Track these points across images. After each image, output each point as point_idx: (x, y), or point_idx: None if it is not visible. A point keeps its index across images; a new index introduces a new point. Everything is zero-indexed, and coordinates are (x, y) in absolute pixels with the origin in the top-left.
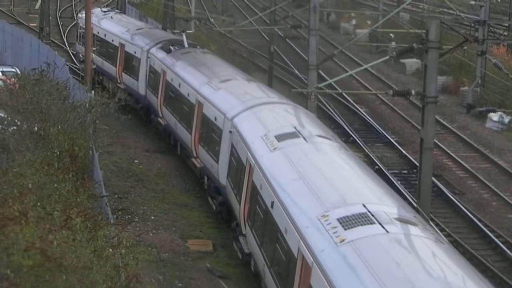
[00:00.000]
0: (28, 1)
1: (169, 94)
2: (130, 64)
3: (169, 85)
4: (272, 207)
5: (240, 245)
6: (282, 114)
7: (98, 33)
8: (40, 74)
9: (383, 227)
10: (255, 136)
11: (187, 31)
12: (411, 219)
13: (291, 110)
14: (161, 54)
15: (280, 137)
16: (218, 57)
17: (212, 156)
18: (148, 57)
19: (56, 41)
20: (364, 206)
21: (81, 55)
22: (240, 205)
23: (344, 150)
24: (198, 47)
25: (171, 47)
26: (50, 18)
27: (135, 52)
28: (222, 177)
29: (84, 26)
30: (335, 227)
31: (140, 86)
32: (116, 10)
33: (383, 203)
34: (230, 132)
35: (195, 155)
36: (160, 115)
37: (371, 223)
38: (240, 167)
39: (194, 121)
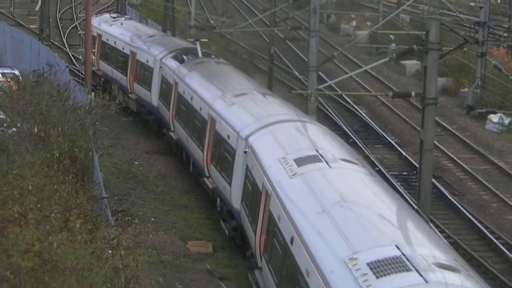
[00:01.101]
0: (28, 3)
1: (181, 107)
2: (142, 73)
3: (181, 97)
4: (291, 243)
5: (255, 278)
6: (301, 133)
7: (107, 40)
8: (40, 75)
9: (420, 275)
10: (272, 159)
11: (202, 40)
12: (453, 264)
13: (311, 129)
14: (173, 64)
15: (300, 161)
16: (233, 67)
17: (225, 177)
18: (161, 67)
19: (56, 43)
20: (398, 248)
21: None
22: (255, 235)
23: (371, 177)
24: (213, 56)
25: (184, 57)
26: (50, 20)
27: (147, 61)
28: (236, 201)
29: (92, 33)
30: (365, 274)
31: (153, 97)
32: (126, 16)
33: (420, 243)
34: (245, 152)
35: (207, 174)
36: (172, 128)
37: (406, 270)
38: (255, 193)
39: (206, 138)
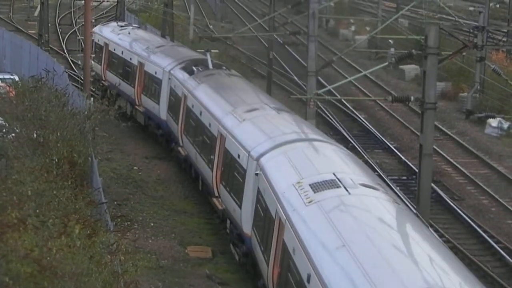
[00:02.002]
0: (27, 8)
1: (190, 122)
2: (150, 85)
3: (190, 111)
4: (308, 281)
5: None
6: (317, 154)
7: (114, 50)
8: (39, 81)
9: None
10: (286, 183)
11: (213, 51)
12: None
13: (328, 150)
14: (182, 76)
15: (317, 187)
16: (245, 79)
17: (235, 199)
18: (169, 78)
19: (55, 48)
20: None
21: (95, 73)
22: (268, 266)
23: (395, 205)
24: (224, 68)
25: (194, 68)
26: (49, 25)
27: (155, 73)
28: (246, 226)
29: (98, 42)
30: None
31: (162, 110)
32: (133, 25)
33: (453, 285)
34: (256, 174)
35: (216, 194)
36: (181, 143)
37: None
38: (268, 220)
39: (215, 156)
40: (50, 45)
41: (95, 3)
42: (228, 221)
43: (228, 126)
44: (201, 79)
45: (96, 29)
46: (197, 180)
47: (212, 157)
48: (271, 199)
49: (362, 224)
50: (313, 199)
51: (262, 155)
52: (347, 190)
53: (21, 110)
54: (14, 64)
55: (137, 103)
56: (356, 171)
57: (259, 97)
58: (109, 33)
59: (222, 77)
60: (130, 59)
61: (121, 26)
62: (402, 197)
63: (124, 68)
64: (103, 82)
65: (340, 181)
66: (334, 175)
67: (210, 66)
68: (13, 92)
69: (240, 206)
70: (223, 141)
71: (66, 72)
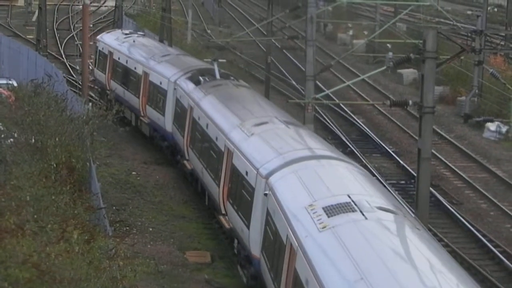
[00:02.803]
0: (25, 13)
1: (196, 135)
2: (155, 95)
3: (196, 123)
4: None
5: None
6: (331, 174)
7: (119, 58)
8: (38, 86)
9: None
10: (297, 206)
11: (220, 60)
12: None
13: (341, 169)
14: (188, 86)
15: (331, 210)
16: (253, 90)
17: (243, 218)
18: (175, 89)
19: (53, 53)
20: None
21: (99, 82)
22: None
23: (416, 231)
24: (232, 78)
25: (201, 78)
26: (47, 30)
27: (160, 83)
28: (255, 248)
29: (102, 50)
30: None
31: (167, 122)
32: (139, 33)
33: None
34: (265, 195)
35: (223, 212)
36: (187, 157)
37: None
38: (278, 245)
39: (222, 171)
40: (48, 50)
41: (93, 8)
42: (236, 241)
43: (235, 140)
44: (208, 90)
45: (100, 37)
46: (203, 195)
47: (218, 172)
48: (282, 222)
49: (381, 254)
50: (327, 225)
51: (271, 173)
52: (363, 215)
53: (20, 115)
54: (12, 69)
55: (142, 114)
56: (372, 193)
57: (268, 110)
58: (113, 41)
59: (229, 88)
60: (135, 68)
61: (126, 34)
62: (401, 202)
63: (129, 78)
64: (107, 91)
65: (355, 204)
66: (349, 197)
67: (217, 76)
68: (12, 98)
69: (248, 227)
70: (230, 156)
71: (65, 77)
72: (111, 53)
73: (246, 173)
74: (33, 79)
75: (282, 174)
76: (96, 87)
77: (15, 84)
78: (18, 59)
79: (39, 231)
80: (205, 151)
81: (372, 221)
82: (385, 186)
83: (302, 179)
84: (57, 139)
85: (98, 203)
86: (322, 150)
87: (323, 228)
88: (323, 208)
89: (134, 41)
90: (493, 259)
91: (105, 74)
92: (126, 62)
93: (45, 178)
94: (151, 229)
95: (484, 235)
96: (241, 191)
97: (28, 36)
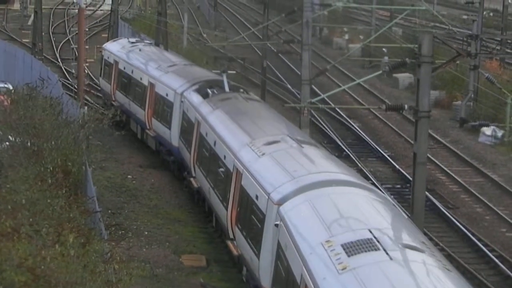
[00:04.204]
0: (21, 17)
1: (203, 152)
2: (161, 108)
3: (203, 140)
4: None
5: None
6: (349, 204)
7: (124, 68)
8: (33, 89)
9: None
10: (313, 242)
11: (230, 72)
12: None
13: (361, 198)
14: (196, 99)
15: (351, 249)
16: (265, 104)
17: (252, 247)
18: (182, 101)
19: (49, 57)
20: None
21: (104, 93)
22: None
23: (446, 272)
24: (242, 90)
25: (209, 91)
26: (43, 34)
27: (167, 95)
28: (265, 280)
29: (108, 59)
30: None
31: (173, 136)
32: (145, 41)
33: None
34: (276, 225)
35: (231, 236)
36: (193, 174)
37: None
38: (292, 283)
39: (230, 194)
40: (44, 54)
41: (88, 12)
42: (244, 268)
43: (245, 160)
44: (216, 103)
45: (106, 45)
46: (210, 215)
47: (227, 194)
48: (295, 259)
49: None
50: (347, 265)
51: (283, 199)
52: (387, 254)
53: (15, 118)
54: (7, 73)
55: (148, 127)
56: (395, 227)
57: (280, 127)
58: (119, 50)
59: (239, 101)
60: (141, 78)
61: (132, 43)
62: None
63: (135, 89)
64: (112, 102)
65: (378, 242)
66: (371, 232)
67: (226, 88)
68: (7, 101)
69: (258, 256)
70: (239, 177)
71: (60, 81)
72: (116, 63)
73: (256, 197)
74: (27, 82)
75: (295, 203)
76: (102, 97)
77: (11, 88)
78: (14, 63)
79: (34, 234)
80: (213, 170)
81: (398, 262)
82: (407, 215)
83: (318, 209)
84: (53, 142)
85: (93, 206)
86: (339, 174)
87: (343, 269)
88: (342, 246)
89: (140, 50)
90: (489, 263)
91: (110, 84)
92: (132, 72)
93: (40, 181)
94: (146, 232)
95: (479, 239)
96: (251, 216)
97: (24, 40)
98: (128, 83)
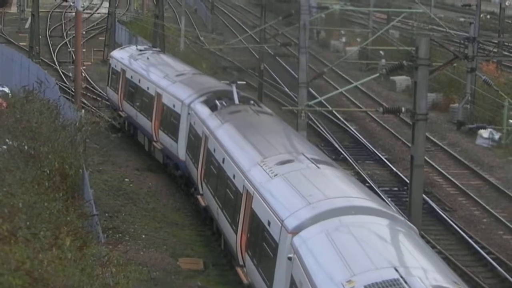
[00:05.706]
0: (18, 20)
1: (211, 169)
2: (168, 119)
3: (211, 155)
4: None
5: None
6: (372, 237)
7: (131, 77)
8: (29, 92)
9: None
10: (330, 281)
11: (239, 82)
12: None
13: (385, 229)
14: (204, 111)
15: None
16: (277, 118)
17: (264, 277)
18: (189, 113)
19: (46, 60)
20: None
21: (112, 102)
22: None
23: None
24: (252, 102)
25: (217, 102)
26: (40, 37)
27: (174, 106)
28: None
29: (115, 67)
30: None
31: (180, 149)
32: (154, 49)
33: None
34: (289, 259)
35: (241, 263)
36: (200, 191)
37: None
38: None
39: (240, 217)
40: (41, 57)
41: (86, 15)
42: None
43: (256, 182)
44: (225, 117)
45: (113, 53)
46: (219, 236)
47: (236, 217)
48: None
49: None
50: None
51: (298, 228)
52: None
53: (12, 122)
54: (4, 76)
55: (155, 139)
56: (424, 264)
57: (294, 144)
58: (126, 58)
59: (249, 115)
60: (148, 88)
61: (140, 50)
62: (394, 208)
63: (141, 99)
64: (119, 113)
65: (406, 283)
66: (397, 271)
67: (236, 100)
68: (4, 104)
69: None
70: (249, 200)
71: (57, 84)
72: (123, 71)
73: (269, 223)
74: (24, 85)
75: (311, 233)
76: (110, 106)
77: (8, 91)
78: (11, 66)
79: (31, 238)
80: (221, 190)
81: None
82: (435, 247)
83: (336, 242)
84: (50, 146)
85: (91, 210)
86: (360, 199)
87: None
88: (365, 287)
89: (148, 58)
90: (486, 266)
91: (117, 94)
92: (139, 82)
93: (37, 185)
94: (144, 236)
95: (476, 242)
96: (262, 244)
97: (21, 43)
98: (135, 93)
